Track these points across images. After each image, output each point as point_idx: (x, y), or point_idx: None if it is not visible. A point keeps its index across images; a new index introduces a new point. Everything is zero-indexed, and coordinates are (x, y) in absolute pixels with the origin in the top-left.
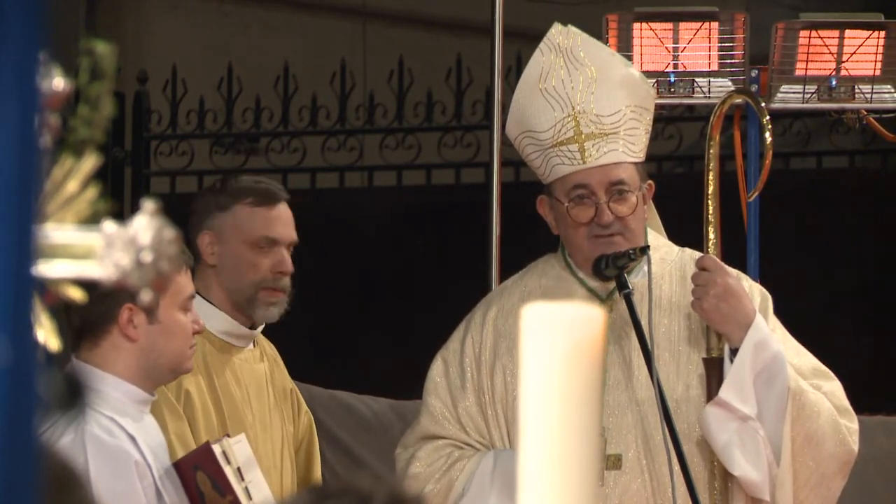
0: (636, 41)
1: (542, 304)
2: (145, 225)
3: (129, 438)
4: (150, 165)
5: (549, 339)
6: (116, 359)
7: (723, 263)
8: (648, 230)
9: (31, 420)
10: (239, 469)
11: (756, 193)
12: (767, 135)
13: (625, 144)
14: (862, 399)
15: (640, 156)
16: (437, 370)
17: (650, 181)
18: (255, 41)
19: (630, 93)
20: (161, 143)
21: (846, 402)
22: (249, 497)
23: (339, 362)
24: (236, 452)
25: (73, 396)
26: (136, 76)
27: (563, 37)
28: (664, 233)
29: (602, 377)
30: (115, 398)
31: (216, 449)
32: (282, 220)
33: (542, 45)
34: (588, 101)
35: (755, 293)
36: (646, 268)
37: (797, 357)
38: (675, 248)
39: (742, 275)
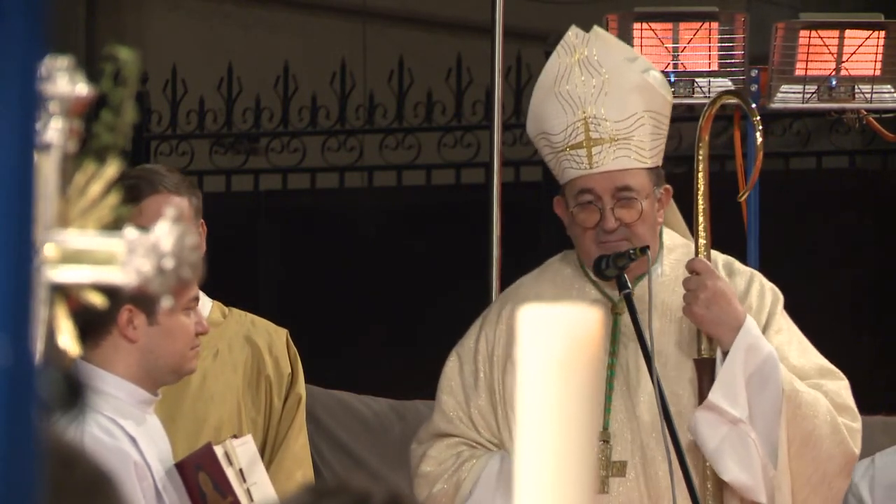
0: (636, 41)
1: (538, 304)
2: (167, 231)
3: (129, 440)
4: None
5: (545, 340)
6: (117, 359)
7: (735, 260)
8: (666, 232)
9: (31, 420)
10: (241, 470)
11: (747, 193)
12: (758, 135)
13: (635, 150)
14: (862, 399)
15: (654, 161)
16: (451, 367)
17: (667, 185)
18: (255, 41)
19: (644, 98)
20: (161, 143)
21: (850, 401)
22: (251, 498)
23: (339, 362)
24: (239, 454)
25: (74, 396)
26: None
27: (579, 40)
28: (689, 234)
29: (602, 380)
30: (117, 399)
31: (218, 450)
32: (146, 216)
33: (559, 47)
34: (598, 107)
35: (766, 292)
36: (658, 270)
37: (803, 356)
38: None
39: (756, 273)
